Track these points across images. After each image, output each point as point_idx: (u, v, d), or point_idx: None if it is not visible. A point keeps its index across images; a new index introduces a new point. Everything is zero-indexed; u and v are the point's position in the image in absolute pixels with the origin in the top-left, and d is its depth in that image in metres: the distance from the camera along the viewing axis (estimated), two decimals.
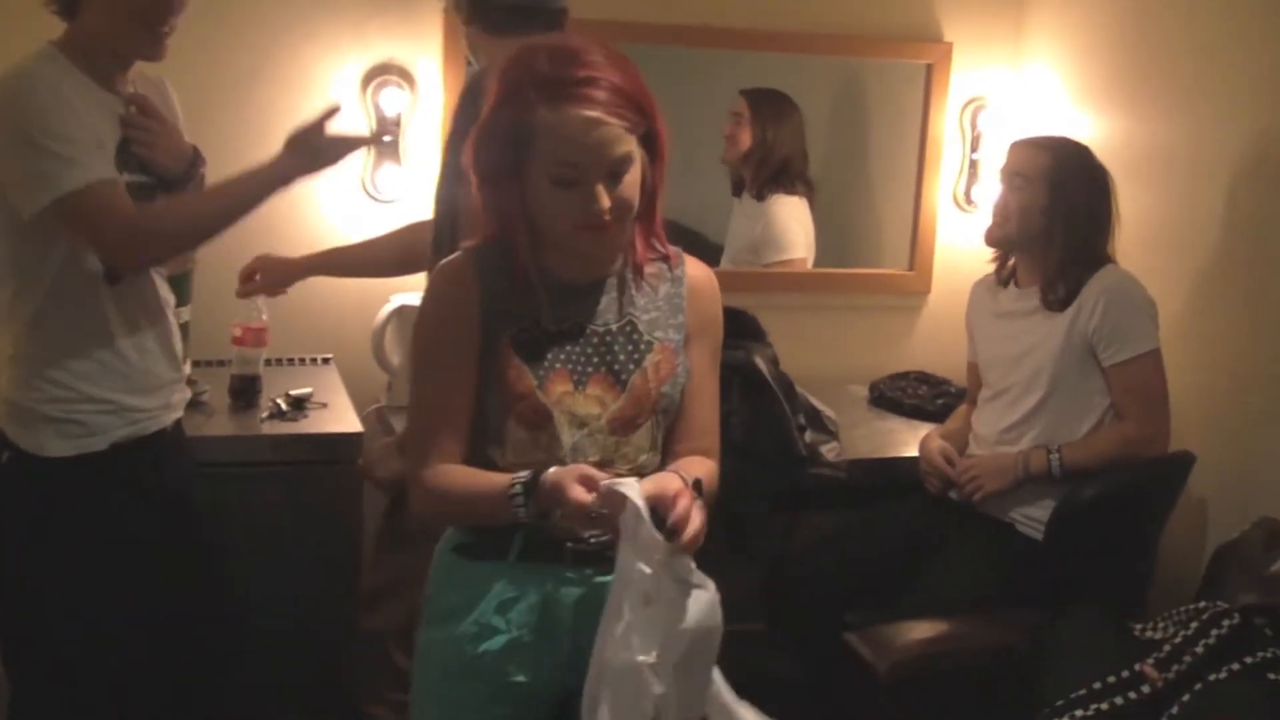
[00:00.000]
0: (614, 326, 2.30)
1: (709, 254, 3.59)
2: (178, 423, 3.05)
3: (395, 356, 3.93)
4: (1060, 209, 3.47)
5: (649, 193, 2.26)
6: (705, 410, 2.39)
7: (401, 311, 3.87)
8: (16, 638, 2.90)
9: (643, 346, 2.30)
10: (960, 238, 4.74)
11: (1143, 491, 3.43)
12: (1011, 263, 3.68)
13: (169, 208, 2.87)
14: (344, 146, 3.07)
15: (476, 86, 3.00)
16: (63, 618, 2.85)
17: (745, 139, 4.58)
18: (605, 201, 2.16)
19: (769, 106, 4.59)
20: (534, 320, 2.27)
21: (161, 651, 3.00)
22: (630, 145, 2.17)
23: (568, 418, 2.24)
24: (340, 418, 3.59)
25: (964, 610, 3.37)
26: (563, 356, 2.26)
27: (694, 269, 2.39)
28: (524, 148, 2.16)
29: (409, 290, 3.94)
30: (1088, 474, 3.40)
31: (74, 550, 2.81)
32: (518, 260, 2.25)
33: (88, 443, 2.80)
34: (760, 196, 4.62)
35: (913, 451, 3.96)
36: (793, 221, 4.67)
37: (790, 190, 4.62)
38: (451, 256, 2.33)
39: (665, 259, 2.36)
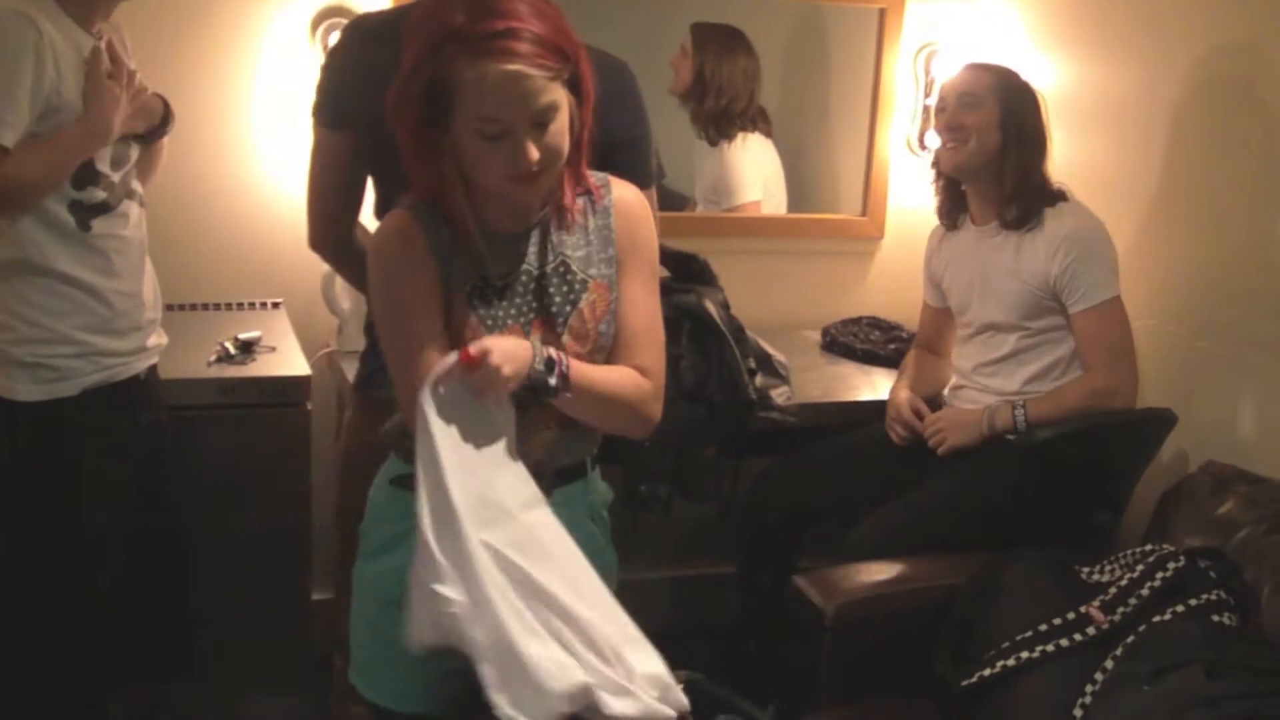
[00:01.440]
0: (548, 269, 2.29)
1: (667, 199, 3.58)
2: (152, 369, 3.05)
3: (345, 301, 3.91)
4: (1012, 123, 3.50)
5: (575, 134, 2.24)
6: (635, 326, 2.36)
7: None
8: None
9: (577, 286, 2.30)
10: (913, 183, 4.74)
11: (1109, 441, 3.45)
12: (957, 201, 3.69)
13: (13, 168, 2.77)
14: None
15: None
16: (32, 559, 2.86)
17: (686, 74, 4.52)
18: (533, 154, 2.13)
19: (713, 43, 4.53)
20: (480, 275, 2.26)
21: (128, 598, 3.02)
22: (555, 93, 2.14)
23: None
24: (289, 361, 3.57)
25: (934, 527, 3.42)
26: (507, 307, 2.26)
27: (619, 191, 2.37)
28: (445, 104, 2.13)
29: None
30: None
31: (43, 494, 2.82)
32: (455, 214, 2.23)
33: (58, 388, 2.81)
34: (712, 141, 4.59)
35: (864, 396, 4.01)
36: (744, 164, 4.65)
37: (746, 129, 4.59)
38: (388, 217, 2.30)
39: (590, 193, 2.35)
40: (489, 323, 2.25)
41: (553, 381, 2.19)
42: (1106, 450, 3.46)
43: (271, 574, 3.51)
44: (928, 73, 4.67)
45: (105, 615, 3.01)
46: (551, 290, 2.28)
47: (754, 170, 4.67)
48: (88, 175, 2.81)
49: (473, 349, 2.10)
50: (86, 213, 2.82)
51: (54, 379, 2.82)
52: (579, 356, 2.29)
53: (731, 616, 3.99)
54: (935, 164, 3.74)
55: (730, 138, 4.59)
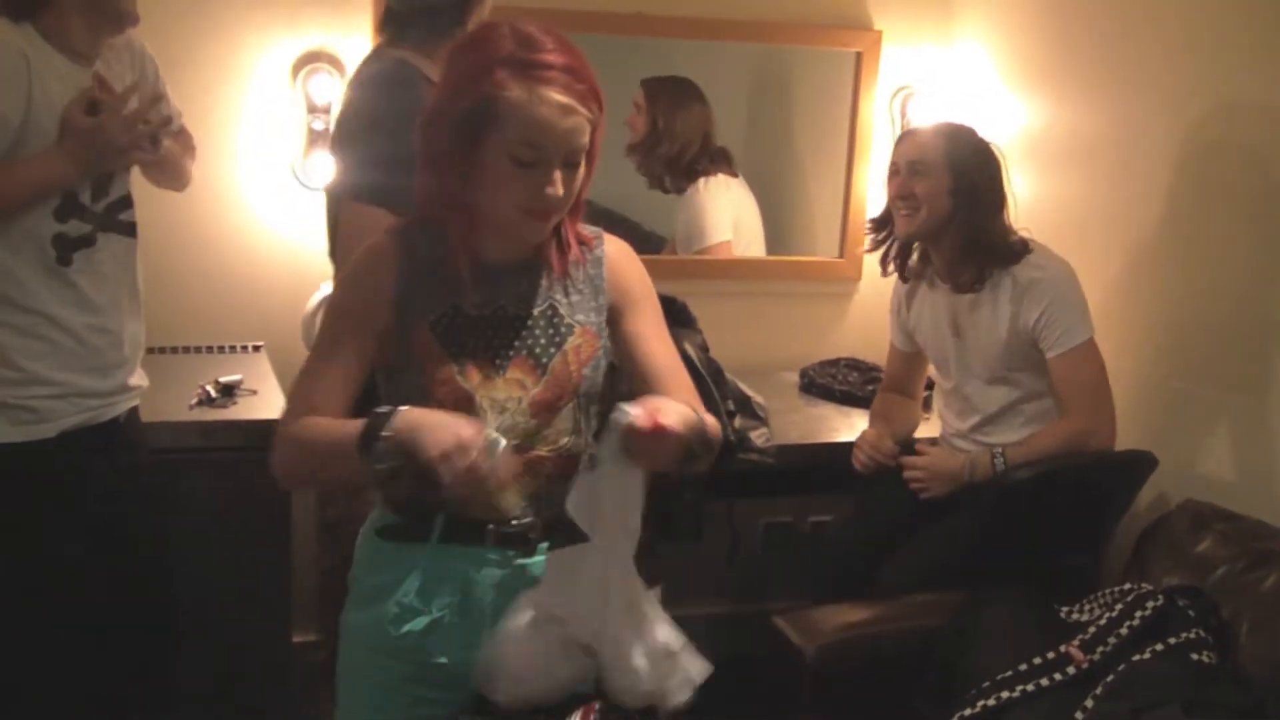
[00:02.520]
0: (535, 311, 2.29)
1: (644, 242, 3.61)
2: (133, 410, 3.04)
3: None
4: (964, 188, 3.50)
5: (580, 189, 2.26)
6: (664, 363, 2.36)
7: None
8: None
9: (563, 330, 2.30)
10: None
11: (1085, 483, 3.47)
12: (913, 259, 3.72)
13: None
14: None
15: (402, 75, 3.01)
16: (4, 600, 2.85)
17: (640, 127, 4.57)
18: (559, 189, 2.15)
19: (665, 95, 4.58)
20: (453, 305, 2.25)
21: (100, 640, 3.00)
22: (587, 139, 2.17)
23: (489, 402, 2.23)
24: (270, 405, 3.57)
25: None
26: (482, 342, 2.26)
27: (611, 246, 2.39)
28: (483, 126, 2.13)
29: None
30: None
31: (19, 537, 2.82)
32: (449, 243, 2.24)
33: (36, 430, 2.80)
34: (677, 189, 4.64)
35: (843, 437, 4.02)
36: (709, 207, 4.67)
37: (707, 173, 4.62)
38: (375, 240, 2.30)
39: (583, 243, 2.36)
40: (453, 351, 2.24)
41: (698, 459, 2.17)
42: (1083, 492, 3.48)
43: (251, 616, 3.50)
44: (904, 115, 4.70)
45: (77, 657, 2.99)
46: (538, 333, 2.28)
47: (721, 211, 4.69)
48: (71, 208, 2.80)
49: (663, 420, 2.05)
50: (68, 247, 2.80)
51: (33, 420, 2.81)
52: (553, 399, 2.29)
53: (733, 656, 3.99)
54: (882, 223, 3.76)
55: (692, 181, 4.62)
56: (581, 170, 2.20)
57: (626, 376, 2.43)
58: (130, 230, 2.99)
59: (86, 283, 2.85)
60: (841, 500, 4.00)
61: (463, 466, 1.98)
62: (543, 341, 2.29)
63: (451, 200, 2.22)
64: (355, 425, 2.08)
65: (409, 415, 2.04)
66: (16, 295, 2.77)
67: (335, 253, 3.19)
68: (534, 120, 2.11)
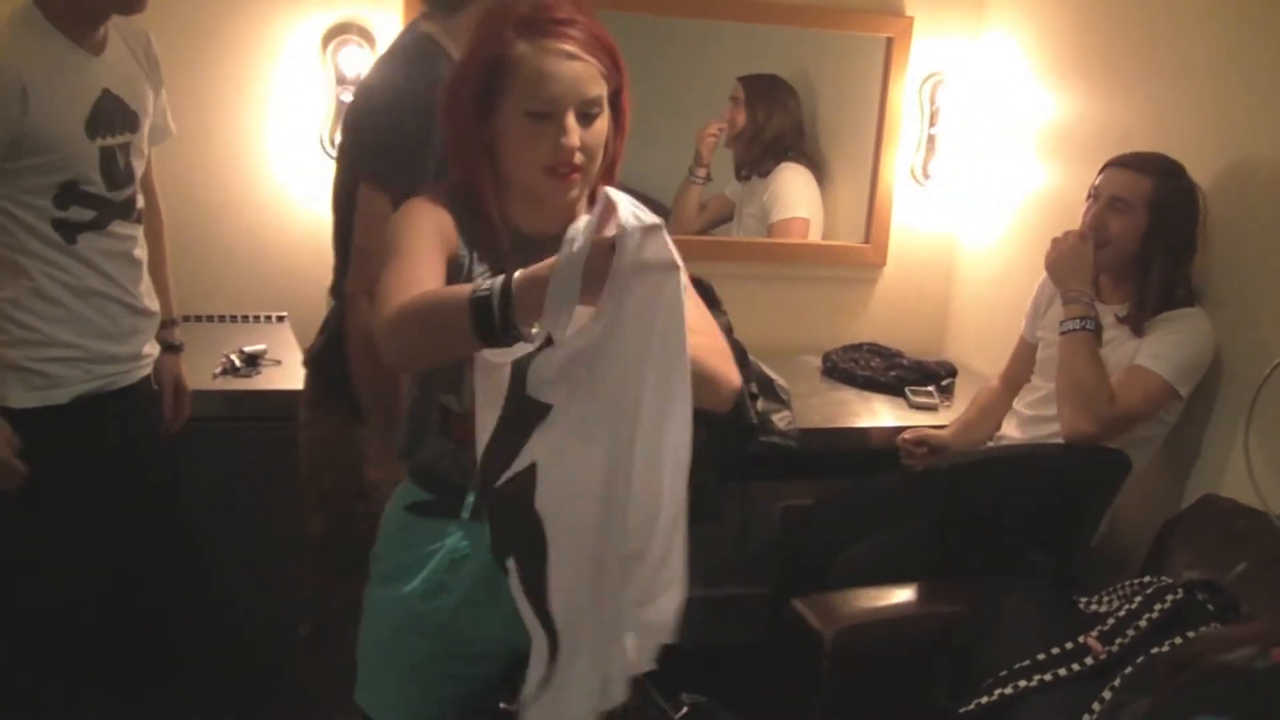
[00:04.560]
0: None
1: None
2: (146, 379, 3.05)
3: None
4: (1157, 236, 3.45)
5: (610, 160, 2.28)
6: (697, 324, 2.20)
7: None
8: None
9: None
10: (916, 212, 4.78)
11: (1046, 478, 3.48)
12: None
13: None
14: None
15: (419, 50, 2.99)
16: (16, 566, 2.85)
17: (740, 121, 4.71)
18: (575, 139, 2.17)
19: (762, 91, 4.73)
20: (497, 270, 2.21)
21: (116, 609, 3.01)
22: (603, 90, 2.21)
23: None
24: (293, 375, 3.57)
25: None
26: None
27: None
28: (499, 85, 2.18)
29: None
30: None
31: (30, 500, 2.81)
32: (485, 207, 2.25)
33: (50, 395, 2.80)
34: (765, 172, 4.74)
35: (864, 422, 4.04)
36: (796, 185, 4.76)
37: (793, 160, 4.74)
38: (424, 196, 2.29)
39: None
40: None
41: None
42: (1043, 487, 3.47)
43: (272, 586, 3.50)
44: (933, 102, 4.69)
45: (85, 623, 2.99)
46: None
47: (805, 191, 4.79)
48: (71, 195, 2.78)
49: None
50: (72, 229, 2.80)
51: (46, 386, 2.81)
52: None
53: (747, 638, 4.00)
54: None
55: (775, 165, 4.74)
56: (603, 125, 2.22)
57: None
58: (138, 217, 2.99)
59: (97, 257, 2.85)
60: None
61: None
62: None
63: (480, 168, 2.25)
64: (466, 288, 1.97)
65: (522, 285, 1.90)
66: (29, 265, 2.78)
67: (344, 233, 3.05)
68: (539, 70, 2.16)
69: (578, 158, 2.19)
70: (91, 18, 2.78)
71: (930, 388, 4.27)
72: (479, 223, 2.26)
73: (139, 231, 2.98)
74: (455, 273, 2.22)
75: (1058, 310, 3.60)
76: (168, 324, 3.21)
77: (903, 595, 3.34)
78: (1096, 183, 3.56)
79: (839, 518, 3.84)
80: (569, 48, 2.16)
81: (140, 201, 2.98)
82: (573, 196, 2.26)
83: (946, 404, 4.21)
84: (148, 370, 3.06)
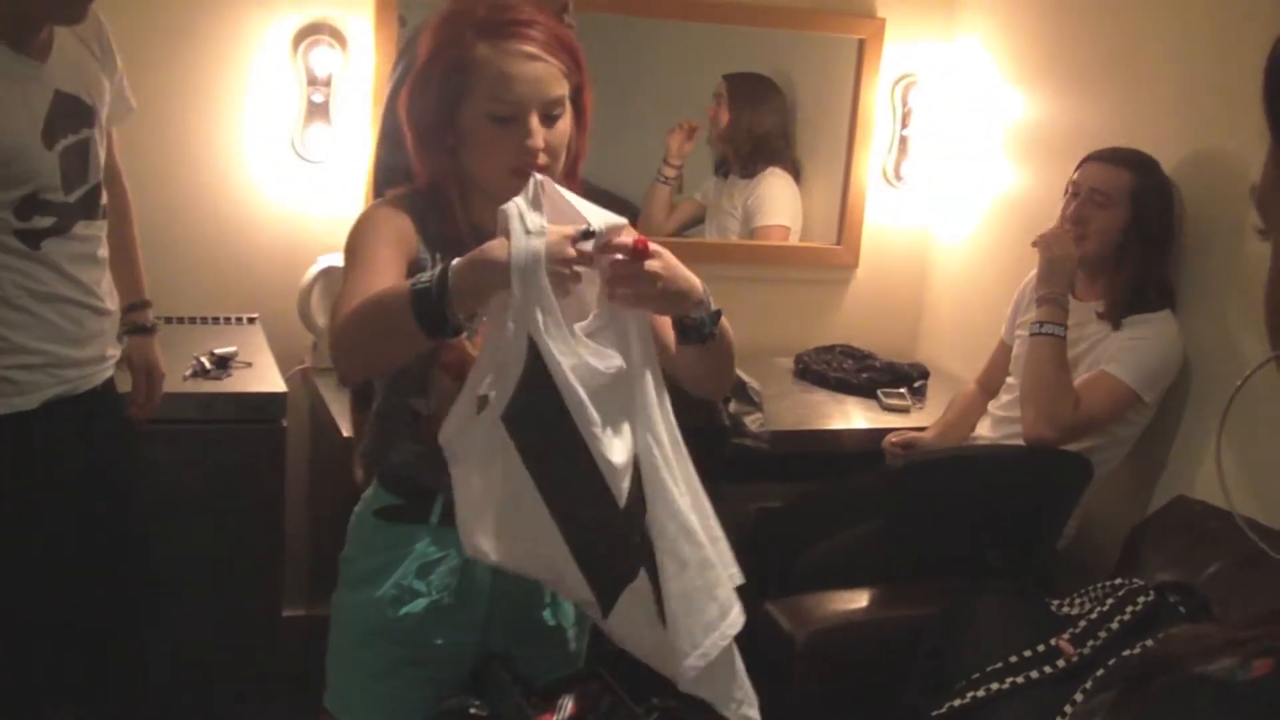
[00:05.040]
0: None
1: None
2: (109, 381, 3.03)
3: (321, 317, 3.91)
4: (1138, 229, 3.47)
5: (572, 157, 2.29)
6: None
7: (328, 272, 3.84)
8: None
9: None
10: (889, 213, 4.78)
11: (1002, 480, 3.49)
12: None
13: None
14: None
15: (413, 45, 2.98)
16: None
17: (724, 119, 4.67)
18: (540, 140, 2.17)
19: (746, 90, 4.70)
20: None
21: (76, 612, 2.98)
22: (564, 90, 2.22)
23: None
24: (264, 377, 3.57)
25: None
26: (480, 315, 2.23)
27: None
28: (460, 88, 2.18)
29: (335, 250, 3.92)
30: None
31: None
32: (449, 209, 2.26)
33: (18, 401, 2.77)
34: (750, 174, 4.71)
35: (837, 424, 4.04)
36: (779, 192, 4.74)
37: (779, 164, 4.72)
38: (385, 202, 2.32)
39: None
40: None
41: (707, 325, 2.16)
42: (1000, 488, 3.48)
43: (243, 590, 3.50)
44: (905, 103, 4.70)
45: (46, 626, 2.96)
46: None
47: (788, 199, 4.77)
48: (32, 206, 2.73)
49: (651, 243, 2.04)
50: (35, 237, 2.75)
51: (14, 393, 2.78)
52: None
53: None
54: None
55: (764, 168, 4.71)
56: (566, 126, 2.23)
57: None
58: (103, 213, 2.95)
59: (61, 261, 2.80)
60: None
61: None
62: None
63: (444, 171, 2.25)
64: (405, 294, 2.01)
65: (458, 272, 1.97)
66: None
67: None
68: (501, 72, 2.16)
69: (542, 158, 2.19)
70: (30, 23, 2.72)
71: (902, 389, 4.27)
72: (443, 224, 2.26)
73: (102, 230, 2.94)
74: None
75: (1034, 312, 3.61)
76: (140, 306, 3.19)
77: (875, 598, 3.35)
78: (1075, 177, 3.57)
79: (807, 517, 3.84)
80: (530, 49, 2.17)
81: (104, 196, 2.94)
82: None
83: (919, 406, 4.21)
84: (110, 372, 3.03)
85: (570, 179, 2.27)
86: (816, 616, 3.23)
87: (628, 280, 2.02)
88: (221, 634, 3.45)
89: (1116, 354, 3.42)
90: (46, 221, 2.77)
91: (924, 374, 4.41)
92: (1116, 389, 3.39)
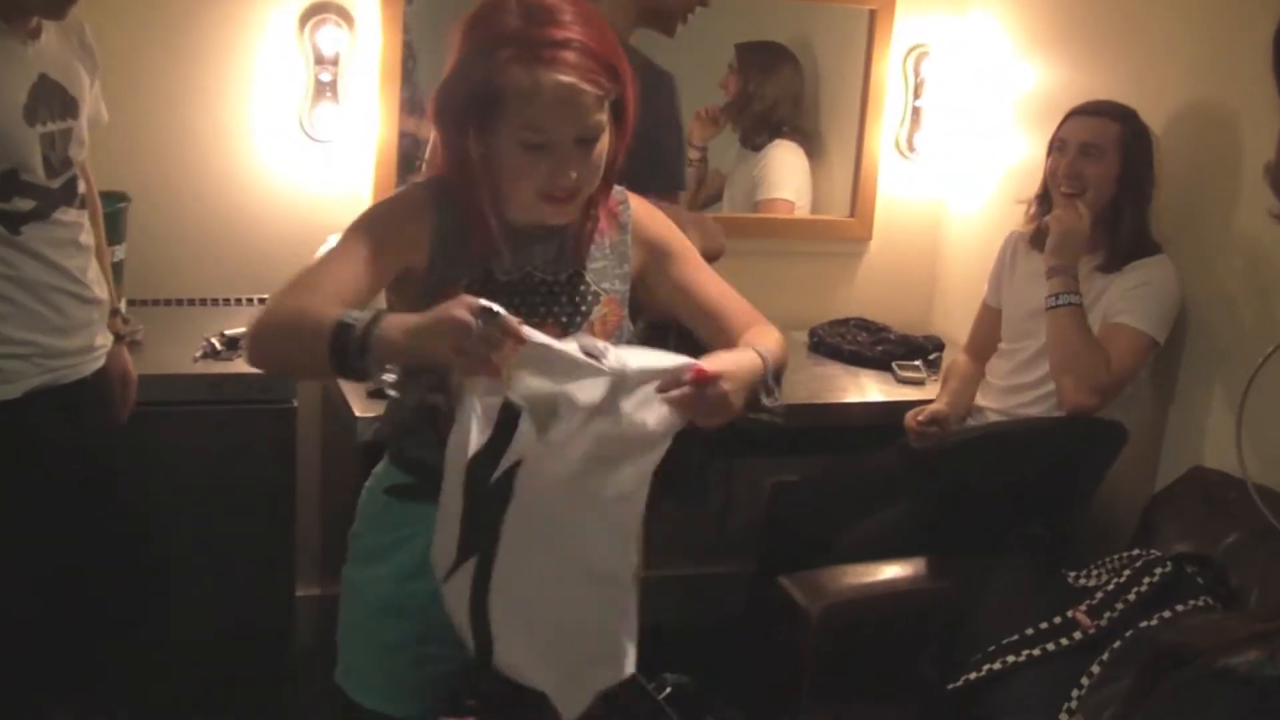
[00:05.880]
0: (562, 277, 2.25)
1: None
2: (100, 372, 3.00)
3: None
4: (1130, 177, 3.45)
5: (610, 160, 2.19)
6: (730, 301, 2.35)
7: None
8: None
9: (589, 298, 2.26)
10: (902, 185, 4.75)
11: (1045, 450, 3.46)
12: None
13: None
14: None
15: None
16: None
17: (732, 89, 4.65)
18: (572, 174, 2.09)
19: (757, 59, 4.66)
20: (485, 269, 2.20)
21: (71, 606, 2.97)
22: (602, 113, 2.10)
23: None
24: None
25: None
26: (509, 308, 2.12)
27: (635, 206, 2.34)
28: (491, 108, 2.07)
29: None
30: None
31: None
32: (476, 206, 2.18)
33: (2, 391, 2.76)
34: (756, 146, 4.68)
35: (851, 397, 4.02)
36: (785, 165, 4.71)
37: (788, 136, 4.69)
38: (409, 190, 2.27)
39: (611, 212, 2.31)
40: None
41: (773, 397, 2.17)
42: (1042, 459, 3.45)
43: (255, 570, 3.50)
44: (917, 74, 4.66)
45: (40, 621, 2.95)
46: (564, 301, 2.24)
47: (792, 172, 4.73)
48: (11, 186, 2.71)
49: (708, 367, 2.00)
50: (15, 220, 2.72)
51: None
52: None
53: (728, 617, 3.99)
54: (1045, 199, 3.63)
55: (770, 140, 4.68)
56: (603, 145, 2.13)
57: (675, 335, 2.41)
58: (81, 203, 2.92)
59: (43, 248, 2.77)
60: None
61: (474, 345, 1.89)
62: (569, 309, 2.25)
63: (471, 173, 2.16)
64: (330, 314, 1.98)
65: (387, 327, 1.95)
66: None
67: None
68: (535, 104, 2.04)
69: (575, 185, 2.12)
70: (20, 7, 2.70)
71: (917, 362, 4.25)
72: (472, 221, 2.19)
73: (84, 217, 2.92)
74: (406, 283, 2.19)
75: (1028, 271, 3.62)
76: (112, 314, 3.14)
77: (890, 571, 3.33)
78: (1061, 134, 3.55)
79: (829, 495, 3.83)
80: (567, 79, 2.03)
81: (81, 186, 2.92)
82: (571, 215, 2.20)
83: (934, 378, 4.18)
84: (100, 362, 3.00)
85: (607, 184, 2.23)
86: (831, 590, 3.21)
87: (699, 409, 2.02)
88: (234, 614, 3.45)
89: (1125, 304, 3.39)
90: (27, 205, 2.73)
91: (939, 346, 4.38)
92: (1137, 339, 3.36)
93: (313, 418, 3.98)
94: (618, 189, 2.32)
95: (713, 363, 2.03)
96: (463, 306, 1.89)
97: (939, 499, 3.47)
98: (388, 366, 2.05)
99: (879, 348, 4.35)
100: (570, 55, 2.03)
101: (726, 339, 2.28)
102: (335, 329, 1.95)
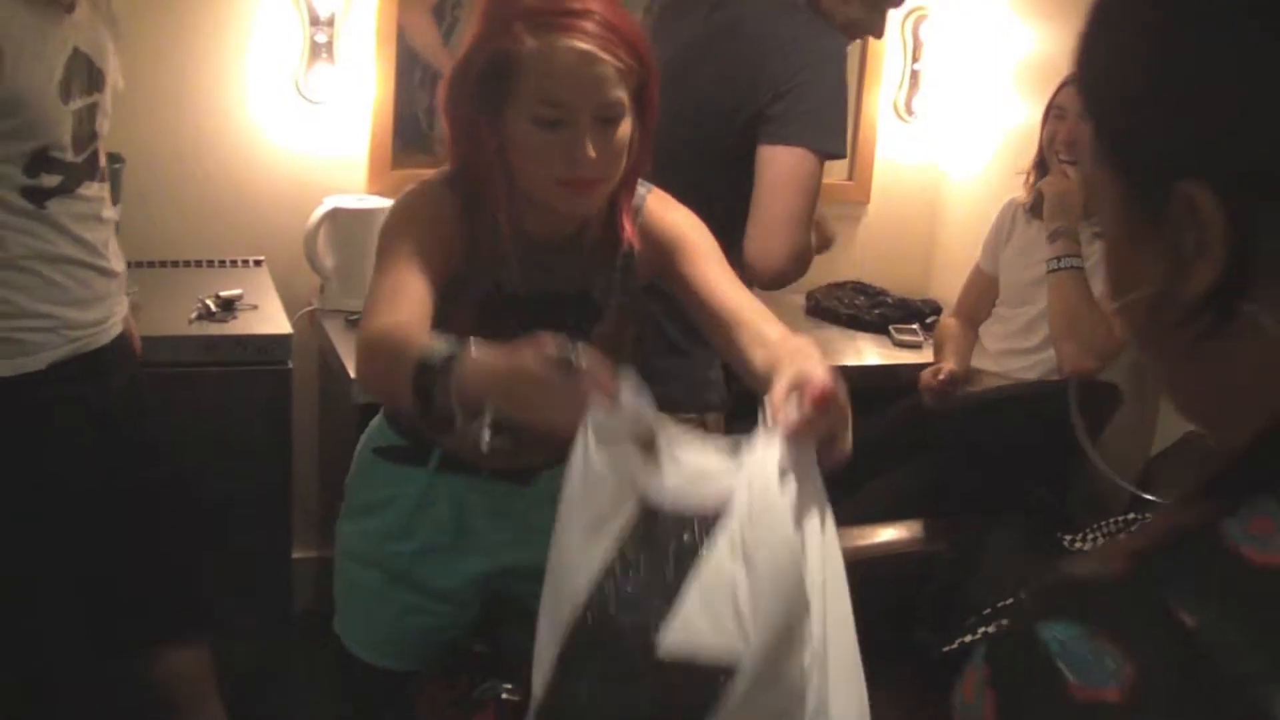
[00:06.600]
0: (570, 293, 2.17)
1: None
2: (120, 336, 3.01)
3: (329, 259, 3.89)
4: None
5: (634, 160, 2.07)
6: (738, 302, 2.09)
7: (335, 214, 3.82)
8: None
9: (592, 314, 2.19)
10: (900, 148, 4.74)
11: (1044, 413, 3.45)
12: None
13: None
14: None
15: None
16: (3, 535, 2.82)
17: None
18: (591, 150, 1.95)
19: None
20: (494, 282, 2.11)
21: (115, 570, 2.98)
22: (623, 92, 1.97)
23: None
24: (271, 320, 3.55)
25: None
26: (514, 322, 2.09)
27: (650, 201, 2.20)
28: (505, 85, 1.95)
29: (341, 191, 3.91)
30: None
31: (13, 468, 2.77)
32: (491, 209, 2.06)
33: (25, 363, 2.75)
34: None
35: (849, 360, 4.02)
36: None
37: None
38: (427, 188, 2.12)
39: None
40: (487, 333, 1.97)
41: None
42: (1041, 422, 3.45)
43: (252, 532, 3.50)
44: (916, 37, 4.65)
45: (80, 585, 2.97)
46: (568, 315, 2.15)
47: None
48: (41, 163, 2.70)
49: (818, 387, 1.67)
50: (41, 195, 2.72)
51: (21, 354, 2.76)
52: None
53: None
54: (1042, 167, 3.60)
55: None
56: (625, 129, 2.00)
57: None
58: (102, 176, 2.90)
59: (67, 222, 2.77)
60: None
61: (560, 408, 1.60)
62: (570, 324, 2.10)
63: (484, 167, 2.05)
64: (418, 345, 1.77)
65: (476, 361, 1.69)
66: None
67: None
68: (551, 73, 1.93)
69: (595, 170, 1.99)
70: None
71: (914, 325, 4.25)
72: (481, 227, 2.08)
73: (105, 191, 2.92)
74: (456, 280, 2.08)
75: (1027, 238, 3.61)
76: None
77: (886, 534, 3.33)
78: (1059, 100, 3.52)
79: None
80: (583, 45, 1.91)
81: (103, 159, 2.91)
82: (592, 205, 2.08)
83: (931, 342, 4.18)
84: (119, 329, 3.01)
85: (629, 186, 2.13)
86: None
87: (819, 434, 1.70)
88: (231, 577, 3.45)
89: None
90: (53, 180, 2.73)
91: (936, 310, 4.39)
92: None
93: (309, 379, 3.98)
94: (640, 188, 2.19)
95: (812, 377, 1.70)
96: (537, 357, 1.63)
97: (940, 461, 3.46)
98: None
99: (876, 311, 4.35)
100: (588, 24, 1.93)
101: (738, 349, 2.04)
102: (416, 370, 1.72)
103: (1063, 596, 0.82)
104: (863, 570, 3.21)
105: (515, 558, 2.27)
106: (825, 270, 4.67)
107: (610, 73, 1.94)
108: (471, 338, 1.73)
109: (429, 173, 2.16)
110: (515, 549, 2.28)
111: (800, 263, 2.78)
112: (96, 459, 2.90)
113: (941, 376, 3.66)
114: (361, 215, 3.83)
